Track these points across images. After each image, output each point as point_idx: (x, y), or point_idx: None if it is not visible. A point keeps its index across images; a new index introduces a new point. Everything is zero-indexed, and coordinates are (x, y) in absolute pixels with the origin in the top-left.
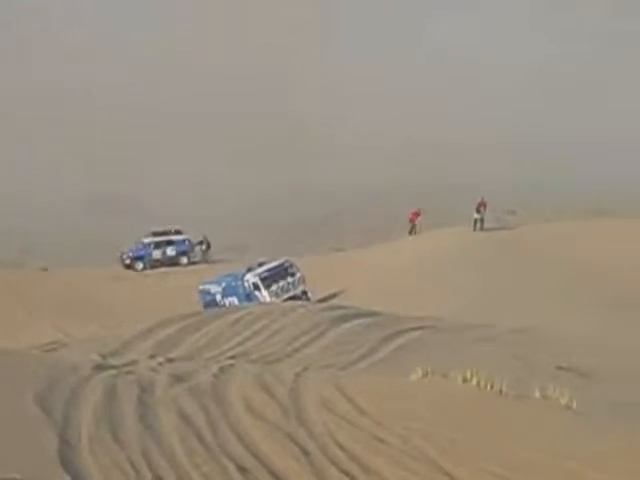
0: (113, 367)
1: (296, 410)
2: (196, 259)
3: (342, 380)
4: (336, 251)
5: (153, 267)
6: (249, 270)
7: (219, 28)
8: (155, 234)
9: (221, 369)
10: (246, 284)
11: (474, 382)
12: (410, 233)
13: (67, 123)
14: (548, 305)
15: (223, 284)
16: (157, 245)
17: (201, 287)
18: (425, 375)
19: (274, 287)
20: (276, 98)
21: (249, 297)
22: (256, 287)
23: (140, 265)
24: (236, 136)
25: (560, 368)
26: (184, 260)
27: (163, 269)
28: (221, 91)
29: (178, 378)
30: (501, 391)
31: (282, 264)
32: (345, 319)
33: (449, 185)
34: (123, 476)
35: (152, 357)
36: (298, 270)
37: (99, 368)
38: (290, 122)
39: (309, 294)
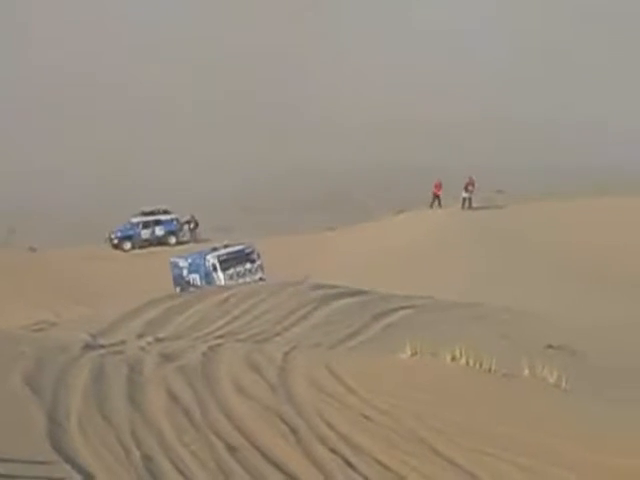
0: (102, 346)
1: (285, 389)
2: (185, 239)
3: (331, 359)
4: (328, 230)
5: (141, 247)
6: (213, 250)
7: (220, 9)
8: (143, 214)
9: (210, 348)
10: (207, 263)
11: (463, 360)
12: (431, 206)
13: (64, 101)
14: (538, 284)
15: (189, 260)
16: (145, 225)
17: (172, 260)
18: (414, 354)
19: (231, 270)
20: (271, 77)
21: (208, 276)
22: (214, 268)
23: (128, 245)
24: (231, 115)
25: (549, 347)
26: (172, 240)
27: (151, 249)
28: (217, 70)
29: (167, 357)
30: (490, 369)
31: (243, 249)
32: (334, 298)
33: (437, 164)
34: (112, 455)
35: (141, 336)
36: (259, 257)
37: (88, 348)
38: (285, 101)
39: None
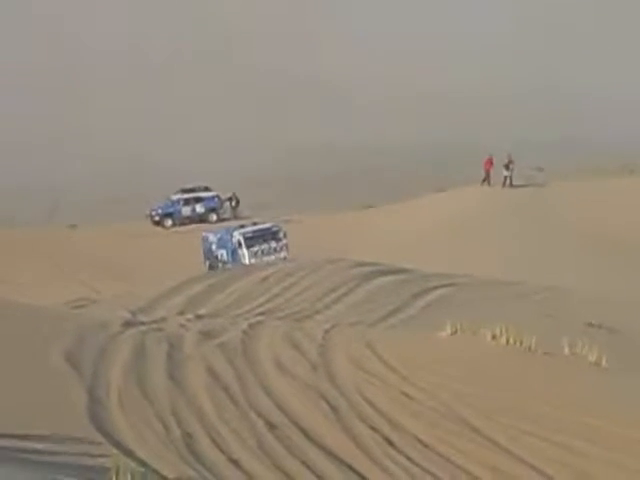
0: (142, 324)
1: (325, 367)
2: (225, 216)
3: (371, 337)
4: (367, 207)
5: (182, 224)
6: (241, 227)
7: None
8: (184, 191)
9: (250, 326)
10: (234, 240)
11: (503, 339)
12: (484, 182)
13: (92, 78)
14: (579, 262)
15: (218, 235)
16: (186, 202)
17: (203, 234)
18: (455, 332)
19: (255, 248)
20: (299, 53)
21: (234, 252)
22: (239, 244)
23: (169, 222)
24: (258, 92)
25: (590, 325)
26: (213, 217)
27: (192, 226)
28: (240, 47)
29: (207, 335)
30: (530, 348)
31: (270, 228)
32: (374, 276)
33: (470, 142)
34: (152, 432)
35: (181, 314)
36: (285, 237)
37: (128, 325)
38: (315, 75)
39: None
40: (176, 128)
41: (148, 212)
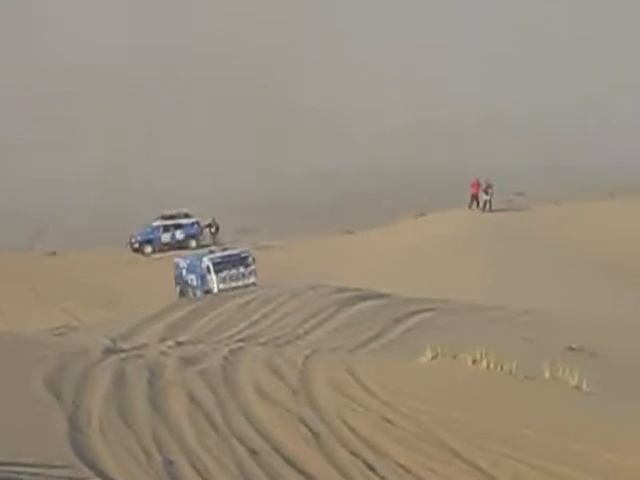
0: (123, 351)
1: (306, 392)
2: (205, 242)
3: (352, 362)
4: (346, 233)
5: (162, 251)
6: (210, 252)
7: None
8: (164, 217)
9: (231, 352)
10: (202, 265)
11: (484, 363)
12: (471, 205)
13: (70, 99)
14: (559, 286)
15: (188, 261)
16: (166, 228)
17: (175, 260)
18: (435, 357)
19: (224, 273)
20: (288, 80)
21: (203, 277)
22: (208, 270)
23: (149, 249)
24: (246, 117)
25: (570, 349)
26: (193, 243)
27: (172, 252)
28: (231, 70)
29: (188, 361)
30: (511, 372)
31: (238, 254)
32: (354, 301)
33: (454, 167)
34: (134, 459)
35: (162, 340)
36: (254, 262)
37: (109, 352)
38: (301, 104)
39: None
40: (171, 152)
41: (128, 239)
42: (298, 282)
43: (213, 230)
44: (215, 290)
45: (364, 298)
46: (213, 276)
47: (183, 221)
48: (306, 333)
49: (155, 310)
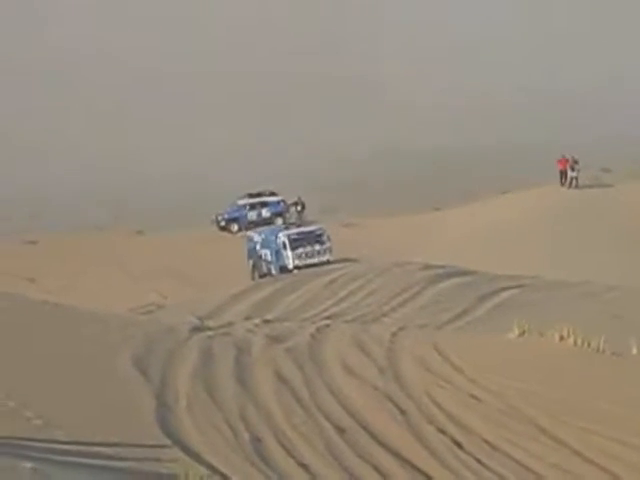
0: (210, 329)
1: (393, 370)
2: (291, 220)
3: (439, 339)
4: (434, 210)
5: (248, 229)
6: (286, 228)
7: None
8: (250, 195)
9: (317, 329)
10: (278, 241)
11: (571, 340)
12: (562, 183)
13: (156, 96)
14: None
15: (263, 235)
16: (252, 207)
17: (248, 233)
18: (522, 334)
19: (300, 250)
20: (361, 57)
21: (278, 253)
22: (284, 246)
23: (235, 227)
24: (324, 95)
25: None
26: (279, 221)
27: None
28: (296, 51)
29: (275, 339)
30: (598, 349)
31: (314, 231)
32: (441, 278)
33: (534, 143)
34: (221, 437)
35: (248, 318)
36: (329, 240)
37: (196, 330)
38: (376, 79)
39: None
40: (233, 136)
41: (214, 217)
42: (384, 259)
43: (299, 208)
44: (290, 266)
45: (451, 275)
46: (289, 252)
47: (269, 199)
48: (393, 310)
49: (242, 288)
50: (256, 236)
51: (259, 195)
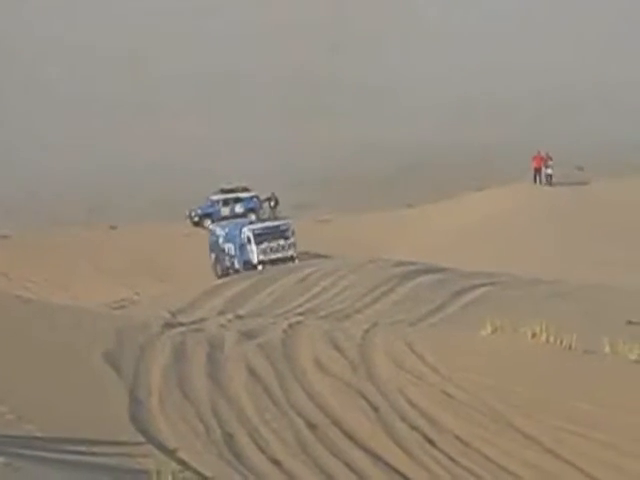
0: (182, 324)
1: (365, 366)
2: (264, 216)
3: (411, 336)
4: (407, 207)
5: None
6: (250, 223)
7: None
8: (223, 191)
9: (290, 326)
10: (242, 235)
11: (544, 337)
12: (535, 181)
13: (132, 86)
14: (619, 260)
15: (226, 230)
16: (225, 202)
17: (211, 227)
18: (495, 330)
19: (264, 245)
20: (340, 53)
21: (242, 247)
22: (248, 240)
23: (209, 222)
24: (300, 93)
25: (630, 323)
26: (252, 217)
27: None
28: (282, 46)
29: (247, 335)
30: (570, 346)
31: (278, 226)
32: (415, 275)
33: (508, 141)
34: (193, 432)
35: (221, 314)
36: (293, 235)
37: (168, 325)
38: (352, 77)
39: (296, 260)
40: (226, 132)
41: (187, 213)
42: (358, 256)
43: (272, 204)
44: (255, 261)
45: (424, 272)
46: (254, 247)
47: (242, 195)
48: (365, 307)
49: (214, 283)
50: (219, 230)
51: (232, 191)
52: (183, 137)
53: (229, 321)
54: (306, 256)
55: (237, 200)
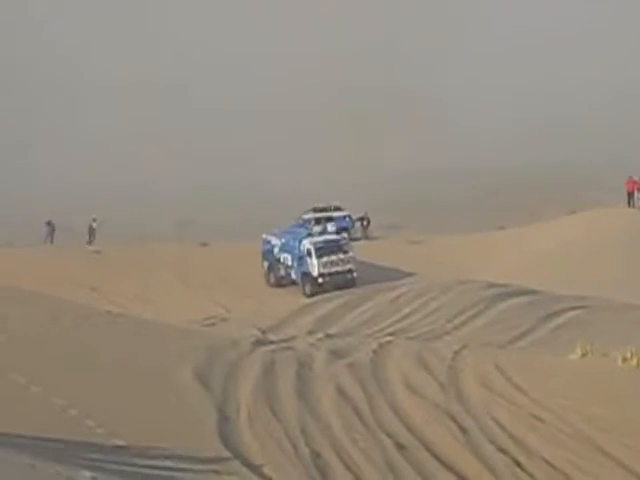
0: (272, 342)
1: (455, 388)
2: (357, 235)
3: (501, 358)
4: (498, 229)
5: None
6: (309, 235)
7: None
8: (315, 210)
9: (380, 345)
10: (302, 247)
11: (634, 362)
12: (629, 204)
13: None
14: None
15: (283, 240)
16: (317, 221)
17: (264, 236)
18: (585, 354)
19: (325, 259)
20: (422, 72)
21: (301, 259)
22: (309, 253)
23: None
24: (383, 111)
25: None
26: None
27: None
28: (364, 66)
29: (337, 354)
30: None
31: (338, 240)
32: (505, 297)
33: (599, 163)
34: (281, 451)
35: (311, 333)
36: (351, 249)
37: (258, 343)
38: (438, 98)
39: (354, 274)
40: (292, 153)
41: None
42: (448, 277)
43: (365, 224)
44: (315, 274)
45: (514, 294)
46: (314, 260)
47: (335, 214)
48: (455, 328)
49: (305, 302)
50: (274, 239)
51: (324, 210)
52: (273, 157)
53: (319, 340)
54: (398, 274)
55: (329, 219)
